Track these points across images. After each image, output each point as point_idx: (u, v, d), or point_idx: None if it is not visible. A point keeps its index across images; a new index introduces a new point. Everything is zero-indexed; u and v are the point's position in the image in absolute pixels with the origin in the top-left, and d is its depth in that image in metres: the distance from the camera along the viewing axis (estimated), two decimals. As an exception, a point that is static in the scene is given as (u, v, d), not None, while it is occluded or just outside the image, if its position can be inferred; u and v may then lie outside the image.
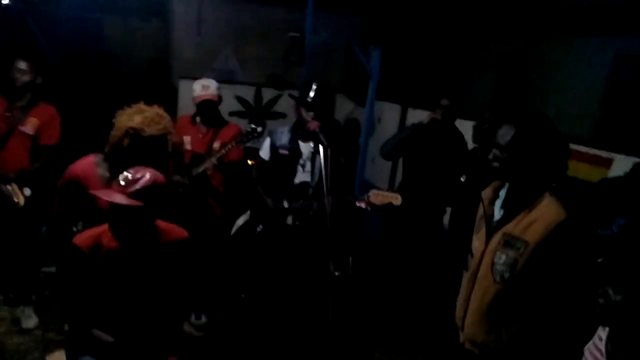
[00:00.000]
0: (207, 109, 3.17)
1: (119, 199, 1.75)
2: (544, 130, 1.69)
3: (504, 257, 1.70)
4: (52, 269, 3.50)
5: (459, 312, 1.89)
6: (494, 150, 1.73)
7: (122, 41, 5.32)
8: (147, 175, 1.82)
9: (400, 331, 3.37)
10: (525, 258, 1.66)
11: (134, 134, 2.04)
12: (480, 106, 3.93)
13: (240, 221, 3.01)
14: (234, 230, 3.00)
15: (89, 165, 2.17)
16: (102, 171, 2.15)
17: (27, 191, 2.90)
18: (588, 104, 4.72)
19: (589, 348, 1.65)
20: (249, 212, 3.01)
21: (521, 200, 1.73)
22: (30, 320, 3.10)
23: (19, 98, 2.95)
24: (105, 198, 1.76)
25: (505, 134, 1.70)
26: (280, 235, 2.86)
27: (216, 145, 3.14)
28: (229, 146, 2.94)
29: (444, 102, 3.25)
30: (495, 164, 1.73)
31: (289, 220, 2.84)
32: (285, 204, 2.83)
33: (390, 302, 3.55)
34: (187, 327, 2.03)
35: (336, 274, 2.28)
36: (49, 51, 4.77)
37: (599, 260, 1.67)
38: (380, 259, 3.71)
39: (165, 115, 2.17)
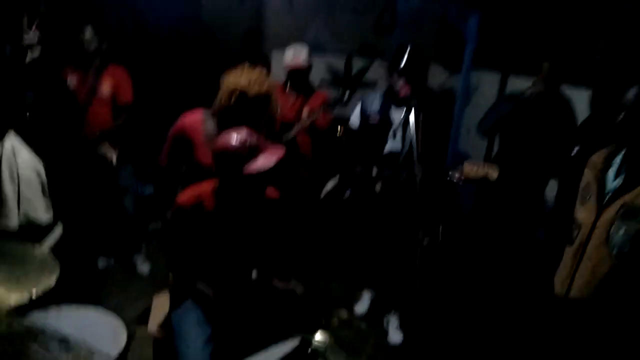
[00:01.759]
0: (298, 76, 3.21)
1: (268, 160, 1.82)
2: None
3: (623, 229, 1.54)
4: (158, 225, 3.84)
5: (559, 288, 1.75)
6: (620, 113, 1.56)
7: (219, 15, 5.51)
8: (253, 133, 1.88)
9: (487, 305, 3.24)
10: None
11: (240, 93, 2.14)
12: (592, 72, 3.52)
13: (329, 186, 3.05)
14: (323, 194, 3.05)
15: (197, 119, 2.32)
16: (208, 126, 2.28)
17: (116, 150, 3.13)
18: None
19: None
20: (338, 177, 3.04)
21: None
22: (145, 267, 3.50)
23: (90, 65, 3.13)
24: (258, 167, 1.81)
25: (631, 93, 1.52)
26: (368, 202, 2.85)
27: (305, 112, 3.18)
28: (317, 113, 2.95)
29: (546, 66, 2.98)
30: (618, 126, 1.55)
31: (377, 187, 2.81)
32: (374, 172, 2.80)
33: (479, 275, 3.40)
34: (277, 283, 2.10)
35: (425, 242, 2.23)
36: (154, 28, 5.08)
37: None
38: (472, 232, 3.56)
39: (269, 77, 2.26)
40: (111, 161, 3.08)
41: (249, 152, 1.81)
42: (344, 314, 1.88)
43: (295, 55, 3.20)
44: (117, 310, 2.07)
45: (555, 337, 1.78)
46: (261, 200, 2.00)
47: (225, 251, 1.98)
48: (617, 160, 1.67)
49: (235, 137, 1.84)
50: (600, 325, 1.63)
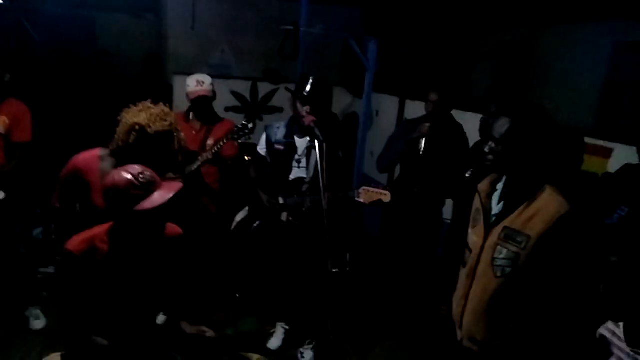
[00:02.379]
0: (202, 105, 3.14)
1: (162, 196, 1.72)
2: (540, 122, 1.66)
3: (505, 251, 1.67)
4: (50, 269, 3.49)
5: (456, 308, 1.86)
6: (490, 143, 1.70)
7: (116, 38, 5.26)
8: (146, 169, 1.80)
9: (398, 328, 3.36)
10: (527, 252, 1.63)
11: (140, 130, 2.05)
12: (480, 97, 3.87)
13: (239, 217, 2.99)
14: (233, 226, 2.99)
15: (93, 158, 2.17)
16: (105, 166, 2.14)
17: (1, 194, 2.81)
18: (587, 92, 4.67)
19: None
20: (247, 208, 2.99)
21: (520, 193, 1.70)
22: (39, 322, 3.10)
23: None
24: (152, 203, 1.70)
25: (500, 126, 1.67)
26: (276, 232, 2.84)
27: (210, 142, 3.11)
28: (222, 142, 2.90)
29: (433, 97, 3.20)
30: (490, 157, 1.70)
31: (284, 216, 2.81)
32: (281, 200, 2.80)
33: (388, 299, 3.53)
34: (185, 327, 2.00)
35: (334, 270, 2.26)
36: (43, 50, 4.72)
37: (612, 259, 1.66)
38: (379, 255, 3.69)
39: (171, 112, 2.19)
40: None
41: (142, 188, 1.73)
42: (256, 357, 1.85)
43: (197, 83, 3.13)
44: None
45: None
46: (160, 239, 1.91)
47: (124, 297, 1.85)
48: (500, 185, 1.83)
49: (126, 174, 1.75)
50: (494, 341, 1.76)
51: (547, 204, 1.63)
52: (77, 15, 5.18)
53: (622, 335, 1.62)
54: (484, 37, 5.44)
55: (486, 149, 1.71)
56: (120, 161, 2.06)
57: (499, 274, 1.68)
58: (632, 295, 1.67)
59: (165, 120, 2.10)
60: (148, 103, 2.16)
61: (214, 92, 3.20)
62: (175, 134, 2.14)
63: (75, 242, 1.80)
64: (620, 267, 1.79)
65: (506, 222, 1.69)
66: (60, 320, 2.05)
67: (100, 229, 1.85)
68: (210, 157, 2.88)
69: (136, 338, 1.89)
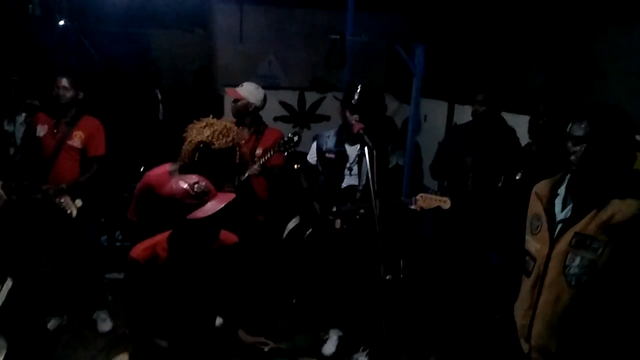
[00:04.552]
0: (248, 115, 3.13)
1: (215, 206, 1.78)
2: (623, 122, 1.60)
3: (578, 259, 1.58)
4: (115, 275, 3.65)
5: (522, 320, 1.77)
6: (569, 144, 1.63)
7: (169, 54, 5.47)
8: (201, 179, 1.85)
9: (454, 336, 3.27)
10: (605, 259, 1.54)
11: (204, 147, 2.14)
12: (533, 99, 3.74)
13: (291, 225, 3.02)
14: (285, 233, 3.02)
15: (163, 174, 2.27)
16: None
17: (79, 202, 3.03)
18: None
19: None
20: (298, 217, 3.02)
21: (592, 197, 1.61)
22: (105, 324, 3.27)
23: (64, 115, 3.10)
24: (205, 212, 1.76)
25: (583, 126, 1.60)
26: (329, 240, 2.84)
27: (258, 151, 3.13)
28: (270, 153, 2.92)
29: (479, 97, 3.14)
30: (573, 158, 1.62)
31: (337, 224, 2.81)
32: (334, 208, 2.81)
33: (444, 306, 3.44)
34: (242, 336, 2.04)
35: (387, 277, 2.24)
36: (102, 68, 4.96)
37: None
38: (433, 260, 3.62)
39: (234, 127, 2.27)
40: (70, 214, 2.98)
41: (196, 198, 1.79)
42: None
43: (246, 93, 3.14)
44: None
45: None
46: (215, 246, 1.96)
47: (183, 301, 1.91)
48: (562, 190, 1.74)
49: (183, 183, 1.82)
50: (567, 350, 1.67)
51: (623, 207, 1.54)
52: (133, 33, 5.43)
53: None
54: (536, 36, 5.24)
55: (565, 150, 1.65)
56: None
57: (573, 282, 1.59)
58: None
59: (228, 136, 2.18)
60: (211, 119, 2.24)
61: (262, 101, 3.19)
62: (237, 149, 2.21)
63: (138, 250, 1.88)
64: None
65: (576, 228, 1.61)
66: (126, 322, 2.14)
67: (161, 237, 1.93)
68: (258, 170, 2.89)
69: (195, 340, 1.94)
